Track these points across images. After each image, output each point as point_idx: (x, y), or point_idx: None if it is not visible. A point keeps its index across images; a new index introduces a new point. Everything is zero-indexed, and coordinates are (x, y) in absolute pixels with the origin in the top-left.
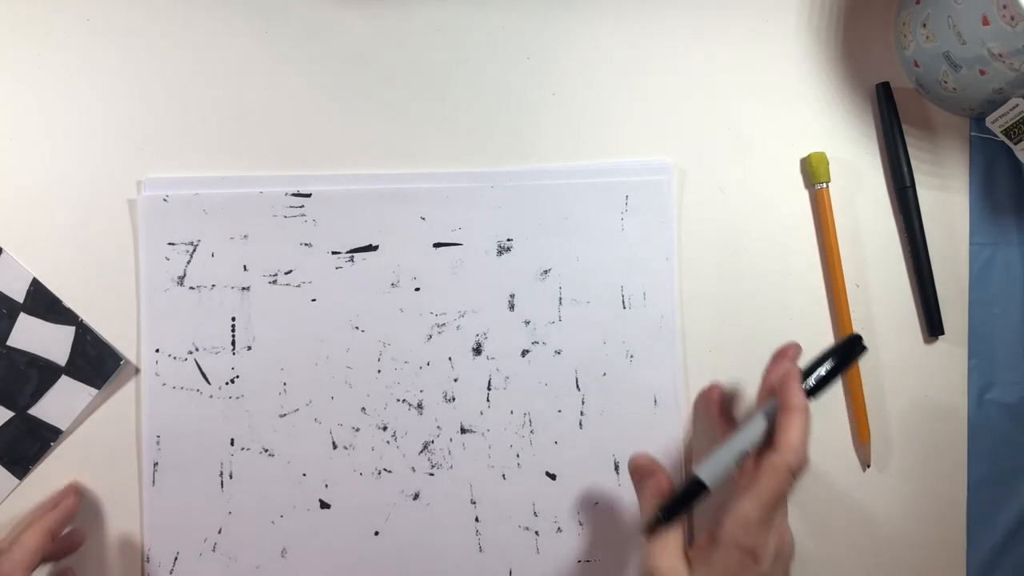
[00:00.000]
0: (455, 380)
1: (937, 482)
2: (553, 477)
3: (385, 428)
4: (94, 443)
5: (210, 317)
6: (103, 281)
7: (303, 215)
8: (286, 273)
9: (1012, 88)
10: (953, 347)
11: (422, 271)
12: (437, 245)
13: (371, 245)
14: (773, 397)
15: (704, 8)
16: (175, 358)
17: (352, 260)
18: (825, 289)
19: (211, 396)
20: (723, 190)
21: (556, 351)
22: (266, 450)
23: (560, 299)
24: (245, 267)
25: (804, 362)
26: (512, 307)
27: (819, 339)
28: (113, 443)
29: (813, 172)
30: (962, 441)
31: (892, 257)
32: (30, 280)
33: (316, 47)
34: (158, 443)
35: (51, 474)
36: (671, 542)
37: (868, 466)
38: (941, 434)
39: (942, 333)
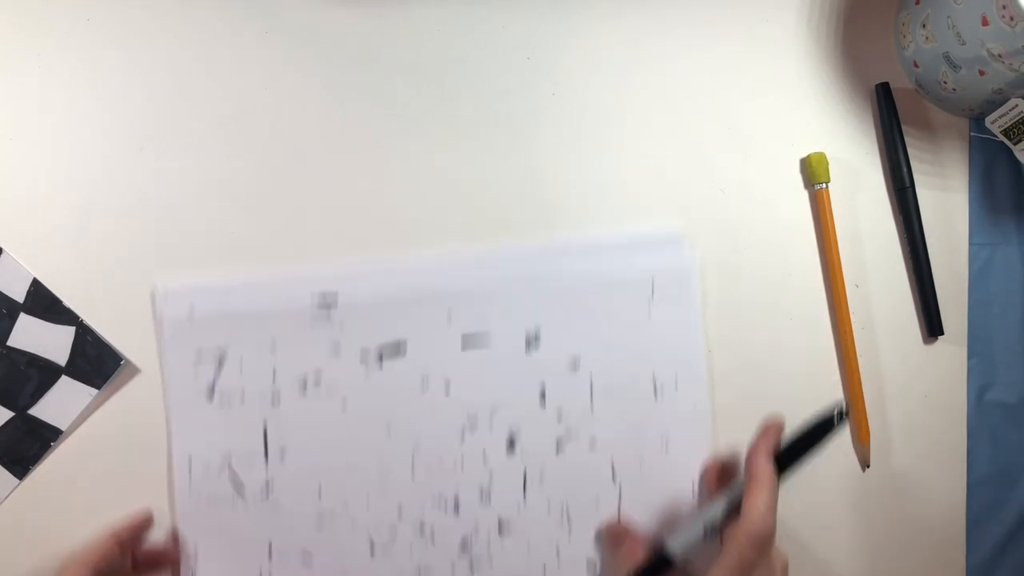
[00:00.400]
0: (490, 477)
1: (937, 482)
2: (594, 568)
3: (422, 528)
4: (94, 443)
5: (242, 427)
6: (104, 281)
7: (329, 319)
8: (315, 378)
9: (1011, 88)
10: (953, 347)
11: (451, 369)
12: (465, 341)
13: (399, 345)
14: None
15: (704, 8)
16: (208, 470)
17: (381, 361)
18: (825, 289)
19: (246, 506)
20: (723, 190)
21: (590, 443)
22: (304, 557)
23: (592, 390)
24: (274, 375)
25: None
26: (544, 400)
27: (818, 340)
28: (114, 444)
29: (813, 172)
30: (962, 441)
31: (892, 257)
32: (30, 280)
33: (315, 46)
34: (196, 554)
35: (51, 474)
36: None
37: (868, 466)
38: (941, 434)
39: (942, 333)
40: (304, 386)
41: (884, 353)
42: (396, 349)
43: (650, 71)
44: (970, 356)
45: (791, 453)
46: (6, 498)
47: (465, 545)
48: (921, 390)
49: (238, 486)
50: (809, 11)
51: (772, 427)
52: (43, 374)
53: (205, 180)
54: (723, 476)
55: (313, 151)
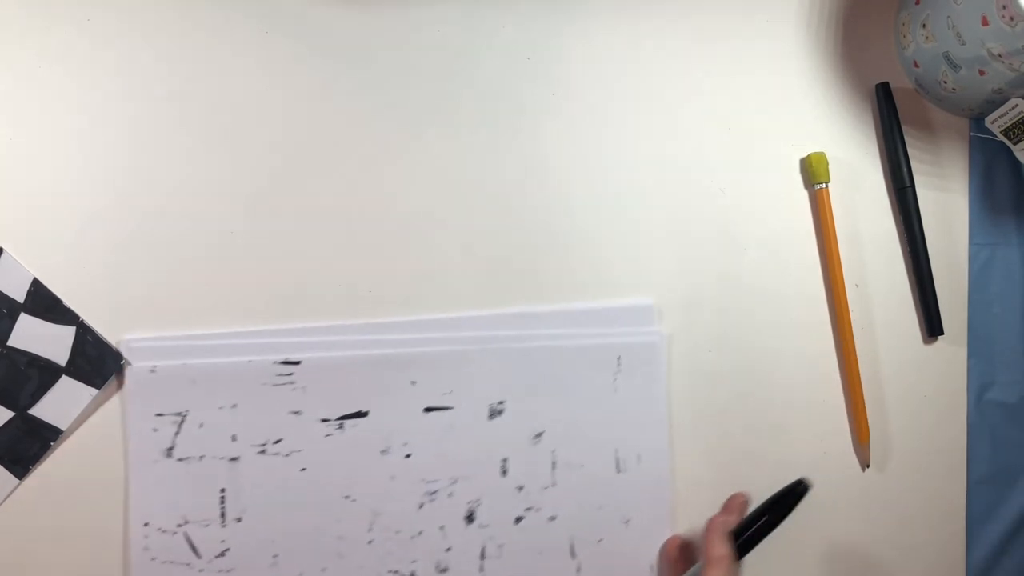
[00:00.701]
0: (448, 549)
1: (937, 482)
2: None
3: None
4: (94, 443)
5: (199, 489)
6: (104, 281)
7: (292, 383)
8: (275, 442)
9: (1011, 88)
10: (952, 347)
11: (413, 437)
12: (428, 410)
13: (361, 411)
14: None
15: (704, 8)
16: (164, 532)
17: (342, 427)
18: (824, 289)
19: (201, 570)
20: (723, 190)
21: (550, 517)
22: None
23: (554, 463)
24: (234, 437)
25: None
26: (505, 472)
27: (818, 340)
28: (114, 444)
29: (813, 172)
30: (961, 441)
31: (892, 257)
32: (31, 280)
33: (315, 46)
34: None
35: (51, 474)
36: None
37: (868, 466)
38: (941, 434)
39: (941, 333)
40: (264, 449)
41: (884, 353)
42: (358, 414)
43: (650, 71)
44: (970, 356)
45: (751, 530)
46: (6, 498)
47: None
48: (921, 390)
49: (193, 550)
50: (809, 11)
51: (734, 503)
52: (43, 374)
53: (205, 179)
54: (684, 552)
55: (313, 149)
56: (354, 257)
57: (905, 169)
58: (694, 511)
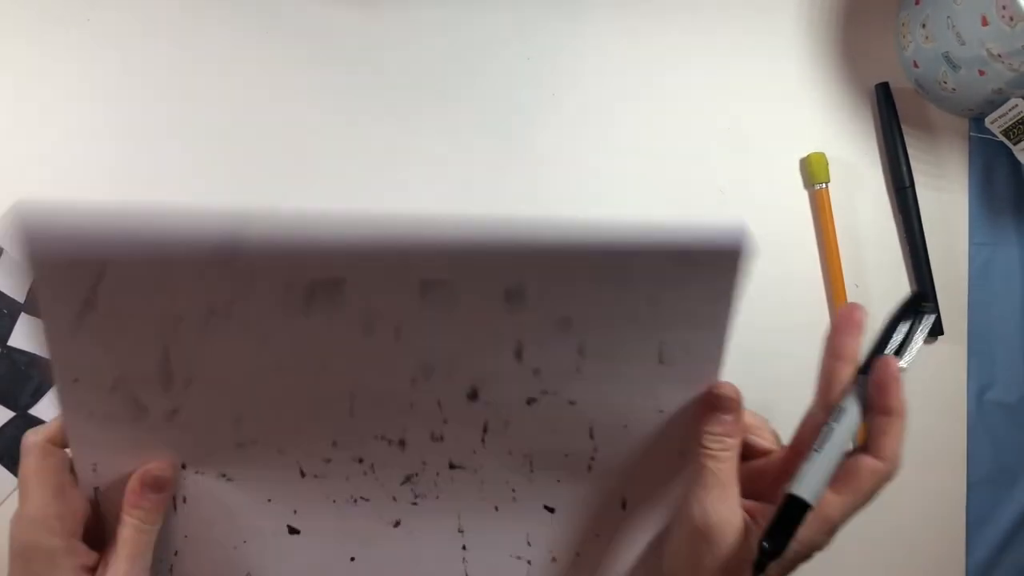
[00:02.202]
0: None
1: (937, 482)
2: (552, 511)
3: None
4: None
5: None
6: None
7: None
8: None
9: (1011, 88)
10: (953, 347)
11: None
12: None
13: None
14: (851, 393)
15: (704, 8)
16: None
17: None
18: (824, 289)
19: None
20: (722, 190)
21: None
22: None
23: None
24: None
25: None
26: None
27: (818, 340)
28: None
29: (812, 172)
30: (962, 441)
31: (892, 257)
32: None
33: (315, 46)
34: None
35: None
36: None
37: None
38: (941, 434)
39: (941, 333)
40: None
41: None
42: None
43: (650, 71)
44: (970, 356)
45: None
46: (6, 498)
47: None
48: (921, 390)
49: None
50: (809, 11)
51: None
52: (44, 374)
53: (205, 179)
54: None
55: (312, 150)
56: None
57: (905, 169)
58: None
